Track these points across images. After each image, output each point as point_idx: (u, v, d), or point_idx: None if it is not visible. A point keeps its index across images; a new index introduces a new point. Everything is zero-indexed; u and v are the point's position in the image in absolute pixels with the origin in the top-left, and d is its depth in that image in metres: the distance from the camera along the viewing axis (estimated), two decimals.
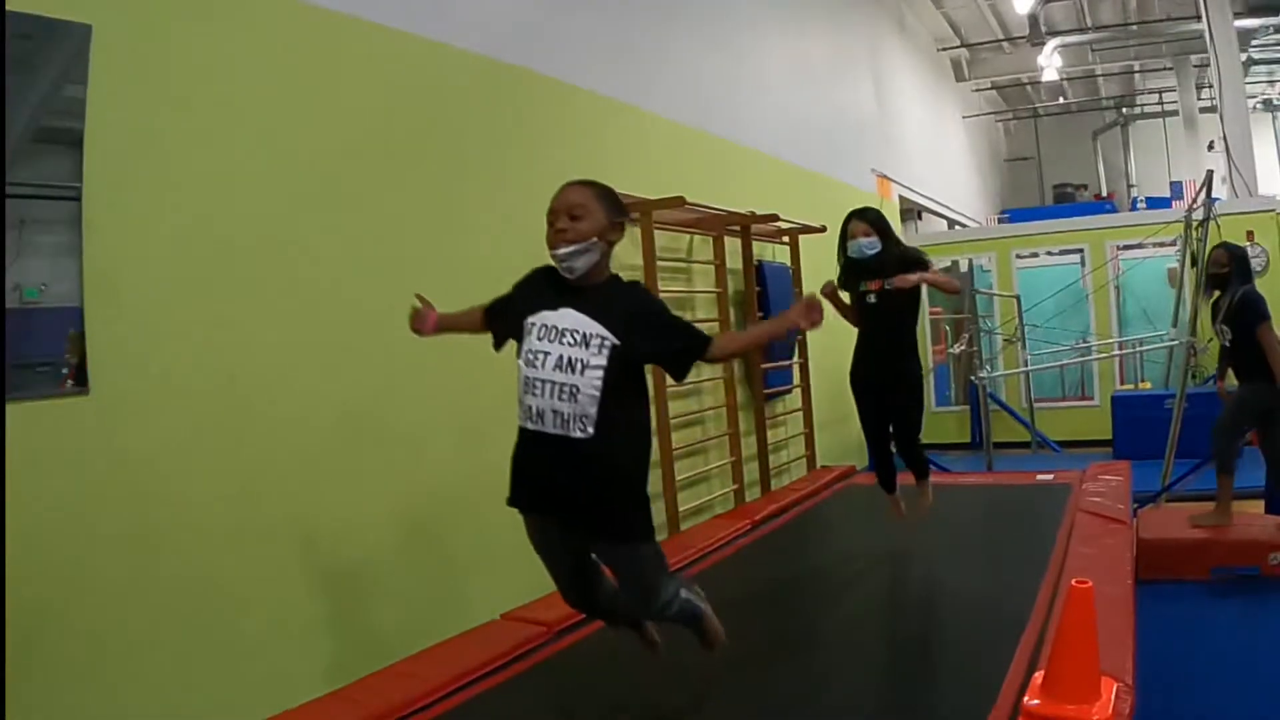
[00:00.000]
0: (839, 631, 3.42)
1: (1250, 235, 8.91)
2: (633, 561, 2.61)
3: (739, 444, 6.34)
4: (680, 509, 5.43)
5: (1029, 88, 18.10)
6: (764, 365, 6.65)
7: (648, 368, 2.75)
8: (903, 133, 12.12)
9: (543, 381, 2.48)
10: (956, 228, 14.06)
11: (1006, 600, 3.46)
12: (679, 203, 5.32)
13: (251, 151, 3.29)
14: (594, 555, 2.71)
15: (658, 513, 5.45)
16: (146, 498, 2.85)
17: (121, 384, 2.80)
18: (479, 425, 4.15)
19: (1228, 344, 5.18)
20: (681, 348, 2.59)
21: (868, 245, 4.25)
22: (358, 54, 3.76)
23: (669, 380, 5.39)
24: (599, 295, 2.56)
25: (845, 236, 4.37)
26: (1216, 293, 5.31)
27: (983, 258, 10.43)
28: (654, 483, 5.43)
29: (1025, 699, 2.37)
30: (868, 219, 4.32)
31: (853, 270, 4.40)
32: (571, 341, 2.49)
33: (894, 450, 4.72)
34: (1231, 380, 5.43)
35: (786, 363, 7.23)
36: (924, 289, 4.46)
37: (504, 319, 2.72)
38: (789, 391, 7.36)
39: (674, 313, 2.67)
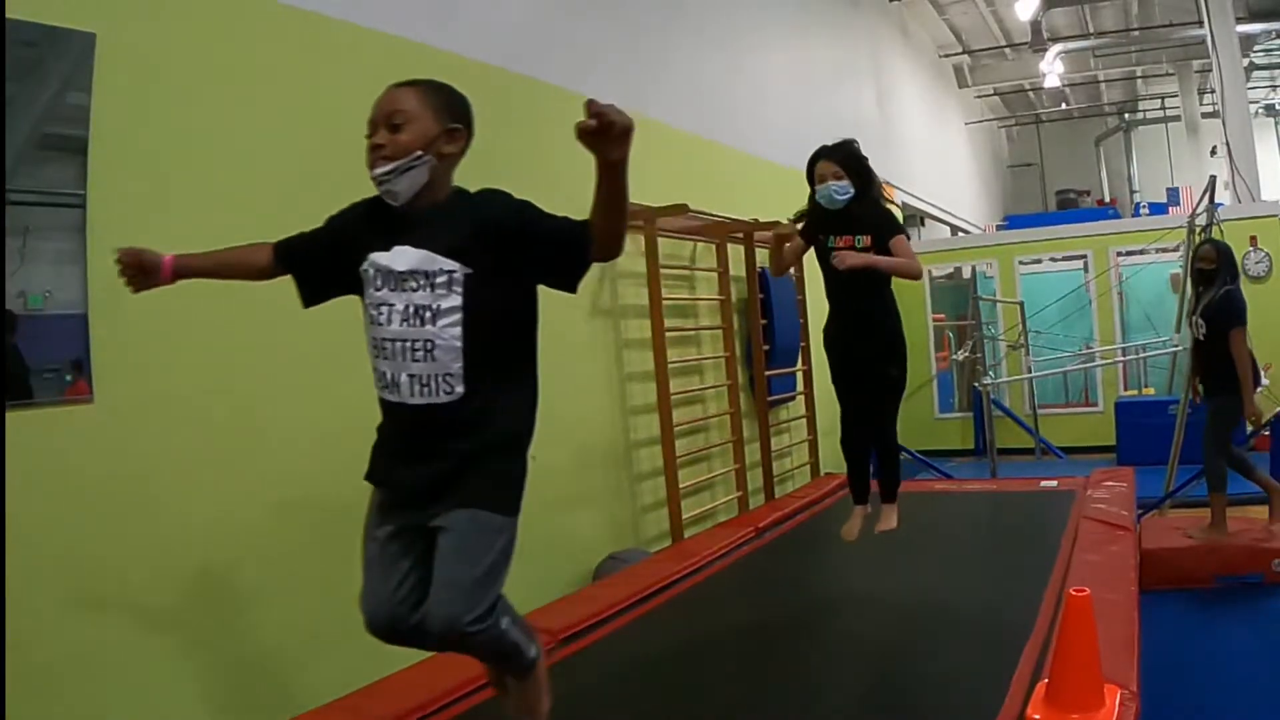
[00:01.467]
0: (841, 639, 3.42)
1: (1254, 240, 8.90)
2: (480, 536, 2.06)
3: (742, 451, 6.33)
4: (684, 516, 5.42)
5: (1031, 94, 18.14)
6: (768, 372, 6.64)
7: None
8: (905, 139, 12.13)
9: (391, 341, 2.07)
10: (959, 234, 14.07)
11: (1011, 608, 3.45)
12: (682, 210, 5.32)
13: (255, 159, 3.29)
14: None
15: (660, 520, 5.51)
16: (149, 504, 2.85)
17: (125, 390, 2.80)
18: None
19: (1200, 338, 5.14)
20: (555, 251, 2.05)
21: (838, 190, 3.49)
22: (362, 62, 3.77)
23: (673, 387, 5.41)
24: (438, 219, 2.09)
25: (811, 179, 3.64)
26: (1200, 288, 5.26)
27: (985, 264, 10.43)
28: (657, 490, 5.45)
29: (1028, 710, 2.36)
30: (838, 158, 3.55)
31: (819, 220, 3.65)
32: (415, 285, 2.05)
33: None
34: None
35: (790, 369, 7.23)
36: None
37: (317, 264, 2.25)
38: (792, 398, 7.35)
39: (544, 210, 2.12)
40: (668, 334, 5.40)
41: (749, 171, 7.07)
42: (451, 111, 2.17)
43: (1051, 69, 14.03)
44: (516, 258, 2.06)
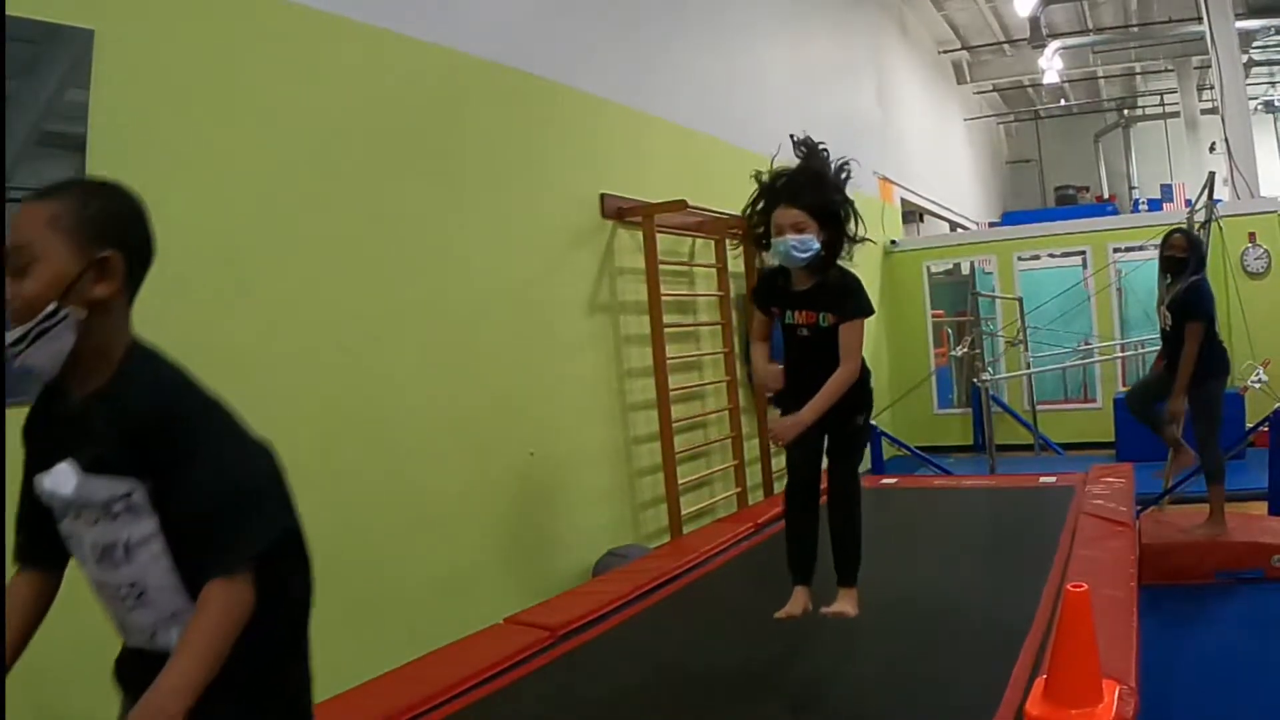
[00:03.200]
0: (839, 635, 3.41)
1: (1252, 237, 8.90)
2: None
3: (741, 447, 6.33)
4: (683, 512, 5.43)
5: (1030, 90, 18.13)
6: None
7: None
8: (904, 135, 12.13)
9: (100, 585, 1.52)
10: (958, 230, 14.08)
11: (1009, 604, 3.45)
12: (681, 206, 5.33)
13: (252, 156, 3.29)
14: None
15: (659, 516, 5.52)
16: None
17: None
18: (479, 424, 4.16)
19: (1167, 328, 5.11)
20: (187, 520, 1.43)
21: (799, 246, 2.80)
22: (359, 58, 3.77)
23: (672, 383, 5.41)
24: (95, 413, 1.45)
25: (765, 226, 2.93)
26: (1168, 277, 5.17)
27: (984, 260, 10.44)
28: (656, 486, 5.45)
29: (1027, 705, 2.36)
30: (803, 203, 2.82)
31: (774, 281, 3.05)
32: (92, 519, 1.46)
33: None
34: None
35: None
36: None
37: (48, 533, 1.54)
38: None
39: (212, 435, 1.51)
40: (666, 330, 5.40)
41: (748, 167, 7.03)
42: (99, 231, 1.47)
43: (1050, 65, 14.03)
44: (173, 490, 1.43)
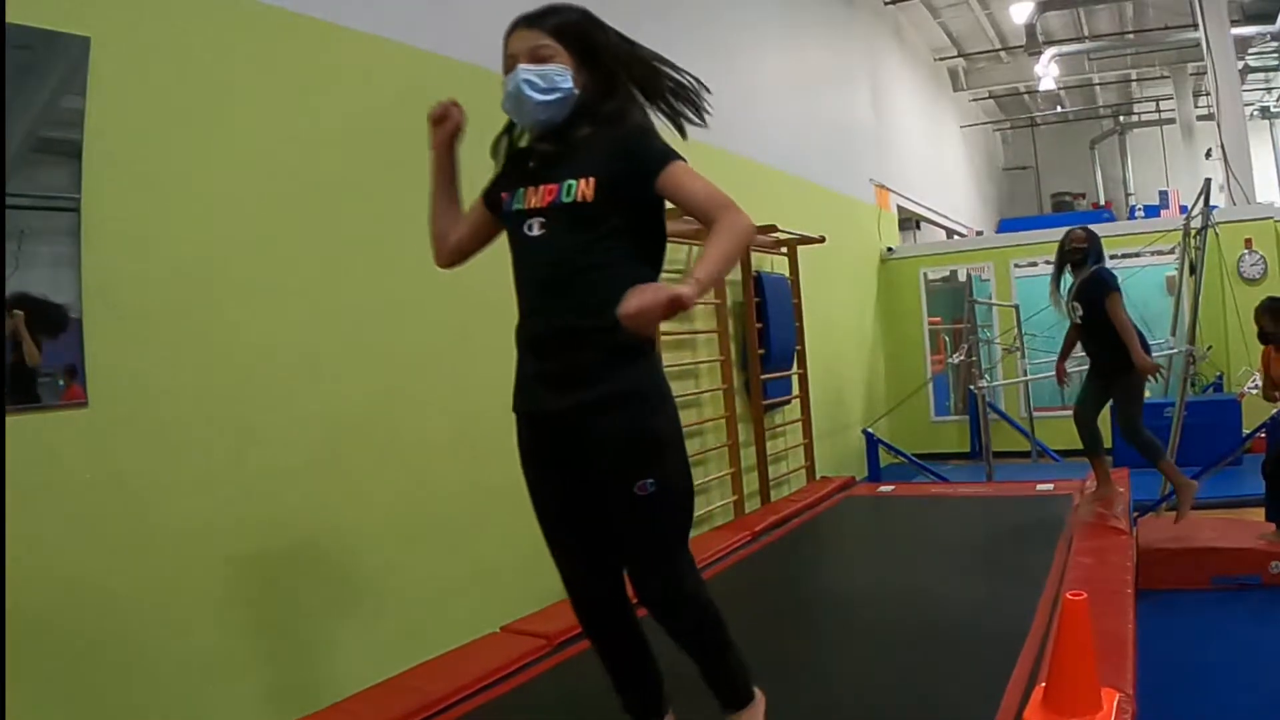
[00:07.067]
0: (837, 644, 3.41)
1: (1249, 243, 8.92)
2: None
3: (738, 455, 6.33)
4: None
5: (1026, 97, 18.19)
6: (763, 375, 6.65)
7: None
8: (901, 142, 12.15)
9: None
10: (955, 237, 14.10)
11: (1007, 612, 3.45)
12: (675, 214, 5.32)
13: (249, 162, 3.29)
14: None
15: None
16: (143, 508, 2.84)
17: (120, 395, 2.80)
18: (478, 431, 4.15)
19: (1078, 320, 5.21)
20: None
21: (537, 79, 1.89)
22: (353, 64, 3.77)
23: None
24: None
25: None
26: (1071, 270, 5.34)
27: (980, 268, 10.45)
28: None
29: (1026, 713, 2.36)
30: (550, 25, 1.92)
31: (506, 163, 2.06)
32: None
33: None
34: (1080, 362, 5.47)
35: (785, 373, 7.23)
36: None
37: None
38: (788, 402, 7.35)
39: None
40: (662, 338, 5.40)
41: (742, 175, 7.07)
42: None
43: (1046, 72, 14.07)
44: None
